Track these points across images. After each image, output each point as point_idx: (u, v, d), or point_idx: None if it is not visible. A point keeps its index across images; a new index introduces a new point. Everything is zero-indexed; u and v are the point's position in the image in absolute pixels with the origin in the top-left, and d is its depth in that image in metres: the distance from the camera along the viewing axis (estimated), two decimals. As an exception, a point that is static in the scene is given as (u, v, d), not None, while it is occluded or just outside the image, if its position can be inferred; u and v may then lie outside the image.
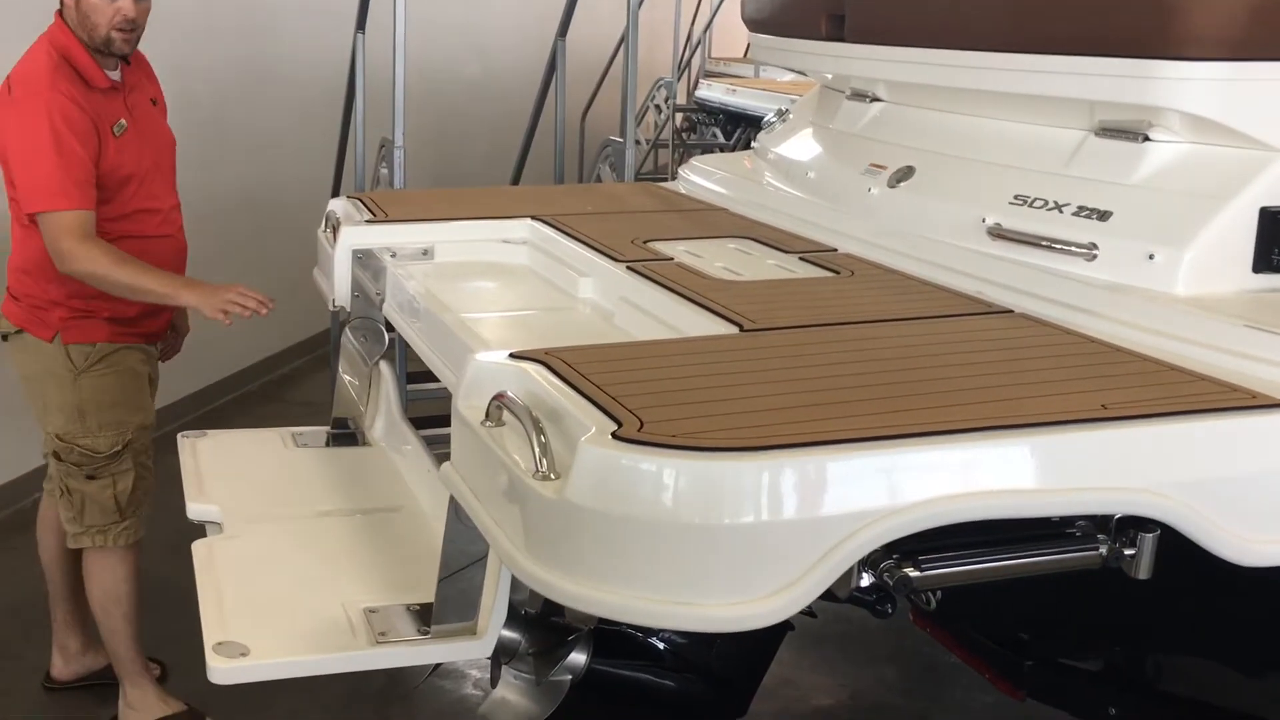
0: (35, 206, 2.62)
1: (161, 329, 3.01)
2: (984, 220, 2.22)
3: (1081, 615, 2.24)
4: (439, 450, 2.59)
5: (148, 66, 2.99)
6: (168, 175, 2.98)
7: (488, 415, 1.65)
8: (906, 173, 2.51)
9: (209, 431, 2.72)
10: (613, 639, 2.25)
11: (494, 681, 2.18)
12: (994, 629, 2.53)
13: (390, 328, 2.75)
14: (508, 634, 1.94)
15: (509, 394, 1.62)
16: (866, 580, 1.47)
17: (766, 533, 1.39)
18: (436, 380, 2.19)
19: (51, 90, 2.60)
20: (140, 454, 2.82)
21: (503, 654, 2.04)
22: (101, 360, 2.74)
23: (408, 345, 2.48)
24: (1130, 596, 1.85)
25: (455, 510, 1.82)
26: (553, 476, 1.47)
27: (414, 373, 3.49)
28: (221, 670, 1.75)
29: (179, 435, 2.66)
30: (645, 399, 1.55)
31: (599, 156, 3.90)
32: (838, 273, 2.31)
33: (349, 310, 2.80)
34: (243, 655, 1.77)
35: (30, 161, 2.61)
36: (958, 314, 2.01)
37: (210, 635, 1.81)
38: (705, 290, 2.13)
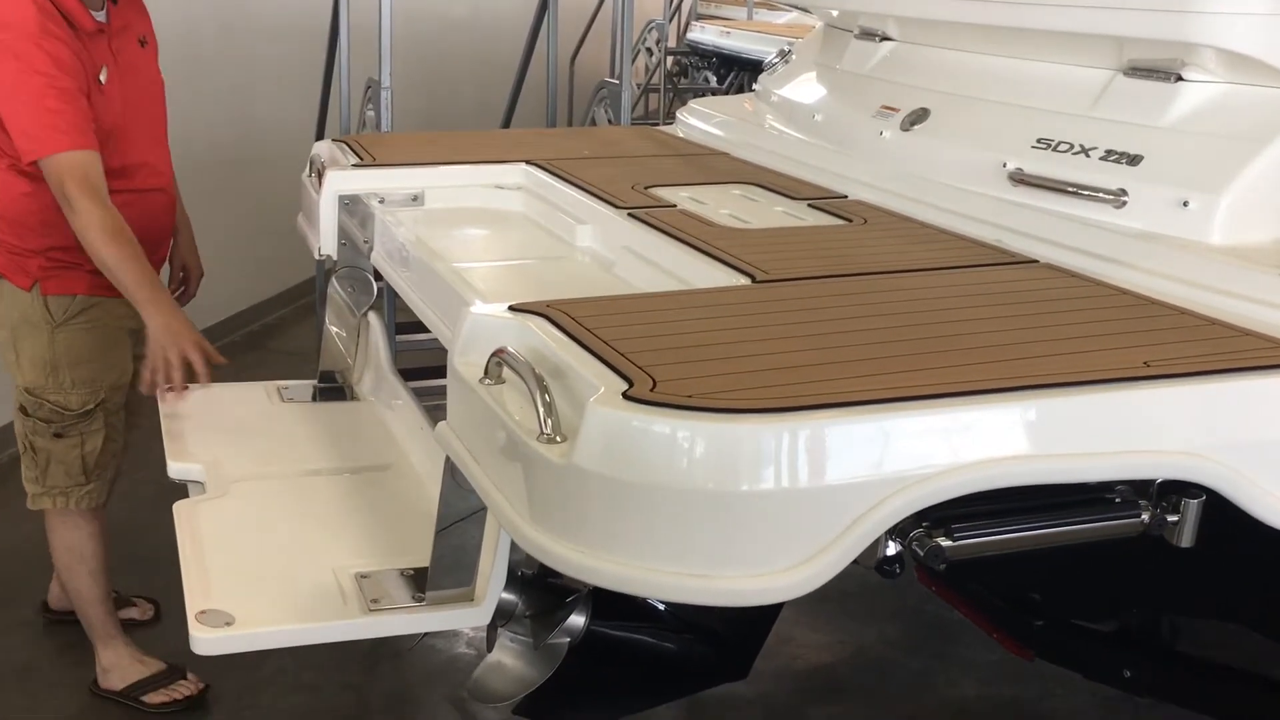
0: (34, 153, 2.43)
1: None
2: (1005, 165, 2.11)
3: (1096, 575, 2.16)
4: (430, 404, 2.50)
5: (138, 2, 2.75)
6: (155, 125, 2.77)
7: (487, 372, 1.55)
8: (921, 115, 2.39)
9: (191, 385, 2.60)
10: (612, 601, 2.17)
11: (489, 644, 2.10)
12: (1003, 587, 2.46)
13: (379, 277, 2.64)
14: (504, 596, 1.85)
15: (510, 349, 1.51)
16: (893, 549, 1.37)
17: (789, 501, 1.29)
18: (428, 330, 2.09)
19: (42, 33, 2.42)
20: (112, 414, 2.67)
21: (499, 616, 1.95)
22: (81, 314, 2.61)
23: (397, 295, 2.36)
24: (1148, 557, 1.77)
25: (451, 471, 1.72)
26: (559, 439, 1.37)
27: (403, 323, 3.38)
28: (205, 640, 1.65)
29: (159, 390, 2.55)
30: (657, 356, 1.44)
31: (593, 99, 3.76)
32: (850, 220, 2.21)
33: (335, 259, 2.68)
34: (227, 624, 1.67)
35: (24, 105, 2.43)
36: (980, 264, 1.91)
37: (193, 603, 1.71)
38: (713, 239, 2.02)
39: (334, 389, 2.70)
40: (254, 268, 5.37)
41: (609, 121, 3.67)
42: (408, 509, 2.09)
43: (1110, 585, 2.17)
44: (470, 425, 1.58)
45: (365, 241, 2.56)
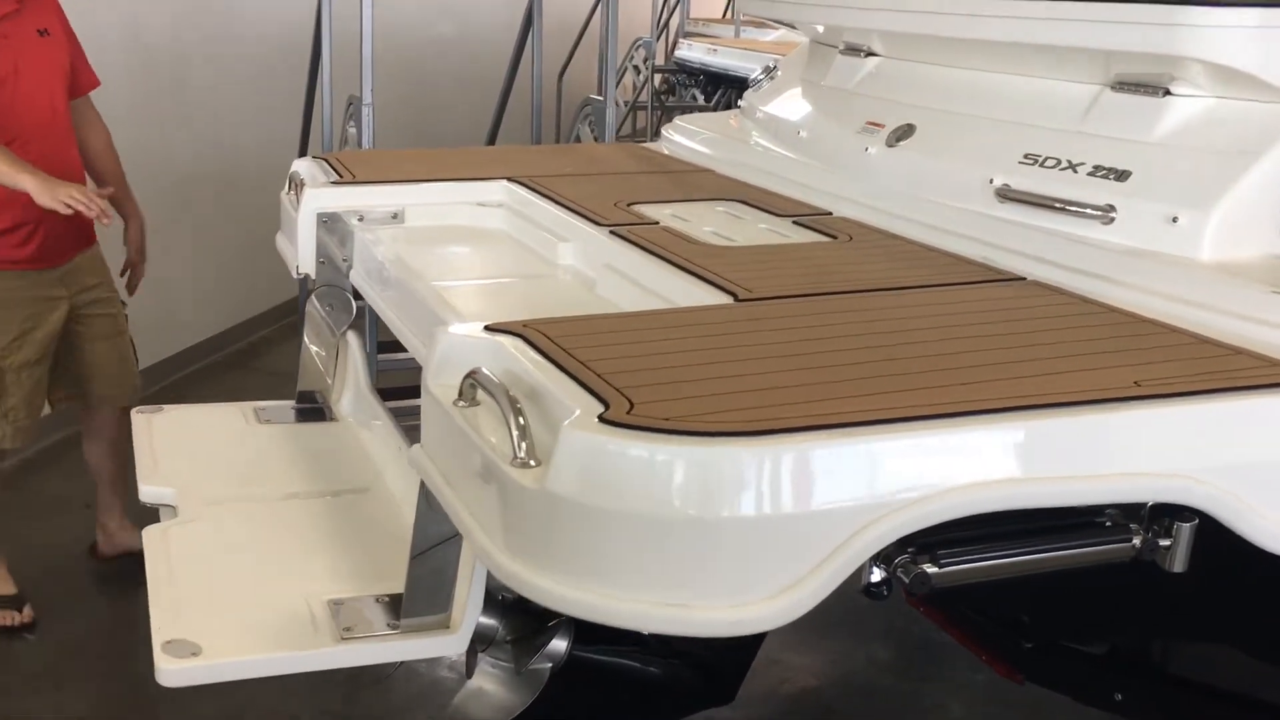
0: None
1: (46, 247, 3.01)
2: (991, 181, 2.08)
3: (1086, 597, 2.12)
4: (410, 423, 2.45)
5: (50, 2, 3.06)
6: (52, 114, 3.01)
7: (461, 394, 1.51)
8: (906, 131, 2.36)
9: (165, 407, 2.56)
10: (594, 625, 2.12)
11: (470, 670, 2.05)
12: (992, 609, 2.42)
13: (358, 296, 2.59)
14: (484, 620, 1.80)
15: (484, 371, 1.47)
16: (878, 576, 1.33)
17: (769, 527, 1.25)
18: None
19: None
20: (7, 373, 2.94)
21: (479, 641, 1.90)
22: None
23: (377, 314, 2.32)
24: (1139, 579, 1.73)
25: (426, 496, 1.67)
26: (532, 463, 1.33)
27: (385, 342, 3.33)
28: (170, 672, 1.60)
29: (133, 412, 2.50)
30: (634, 377, 1.40)
31: (577, 116, 3.73)
32: (835, 237, 2.17)
33: (314, 277, 2.63)
34: (193, 655, 1.63)
35: None
36: (966, 282, 1.87)
37: (159, 632, 1.67)
38: (695, 256, 1.99)
39: (313, 409, 2.65)
40: (240, 286, 5.32)
41: (594, 139, 3.64)
42: (385, 533, 2.04)
43: (1101, 607, 2.13)
44: (444, 449, 1.54)
45: (344, 260, 2.52)
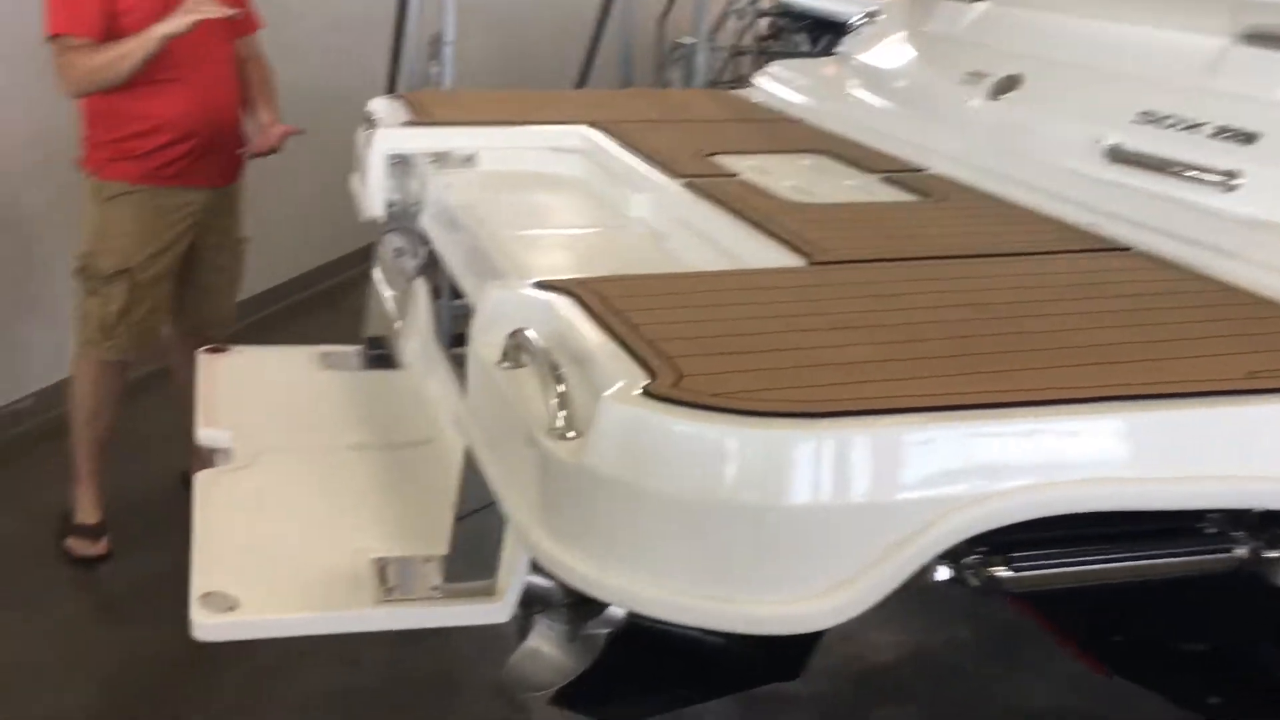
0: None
1: (193, 168, 3.06)
2: (1102, 140, 1.90)
3: (1184, 599, 1.96)
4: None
5: None
6: (204, 33, 2.97)
7: (505, 355, 1.41)
8: (1011, 82, 2.19)
9: (232, 348, 2.52)
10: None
11: (525, 631, 1.98)
12: (1081, 599, 2.27)
13: (428, 241, 2.52)
14: (540, 581, 1.72)
15: (527, 331, 1.37)
16: (944, 575, 1.21)
17: (826, 518, 1.14)
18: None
19: None
20: (139, 286, 3.02)
21: (535, 603, 1.83)
22: (122, 196, 2.98)
23: (447, 260, 2.24)
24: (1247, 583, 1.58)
25: (470, 457, 1.59)
26: (571, 435, 1.23)
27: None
28: (205, 626, 1.56)
29: (199, 353, 2.47)
30: (688, 345, 1.29)
31: (667, 60, 3.59)
32: (927, 196, 2.02)
33: (381, 220, 2.56)
34: (230, 609, 1.58)
35: None
36: (1067, 250, 1.72)
37: (198, 583, 1.62)
38: (770, 213, 1.86)
39: (380, 356, 2.60)
40: (328, 225, 5.30)
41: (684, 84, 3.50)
42: (440, 490, 1.96)
43: (1199, 605, 1.97)
44: (487, 411, 1.45)
45: (415, 203, 2.44)
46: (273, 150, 3.30)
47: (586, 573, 1.19)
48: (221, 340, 2.99)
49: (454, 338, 2.56)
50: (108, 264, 2.99)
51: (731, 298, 1.48)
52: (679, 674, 2.29)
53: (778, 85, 2.98)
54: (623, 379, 1.22)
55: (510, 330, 1.42)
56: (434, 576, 1.71)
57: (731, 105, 2.93)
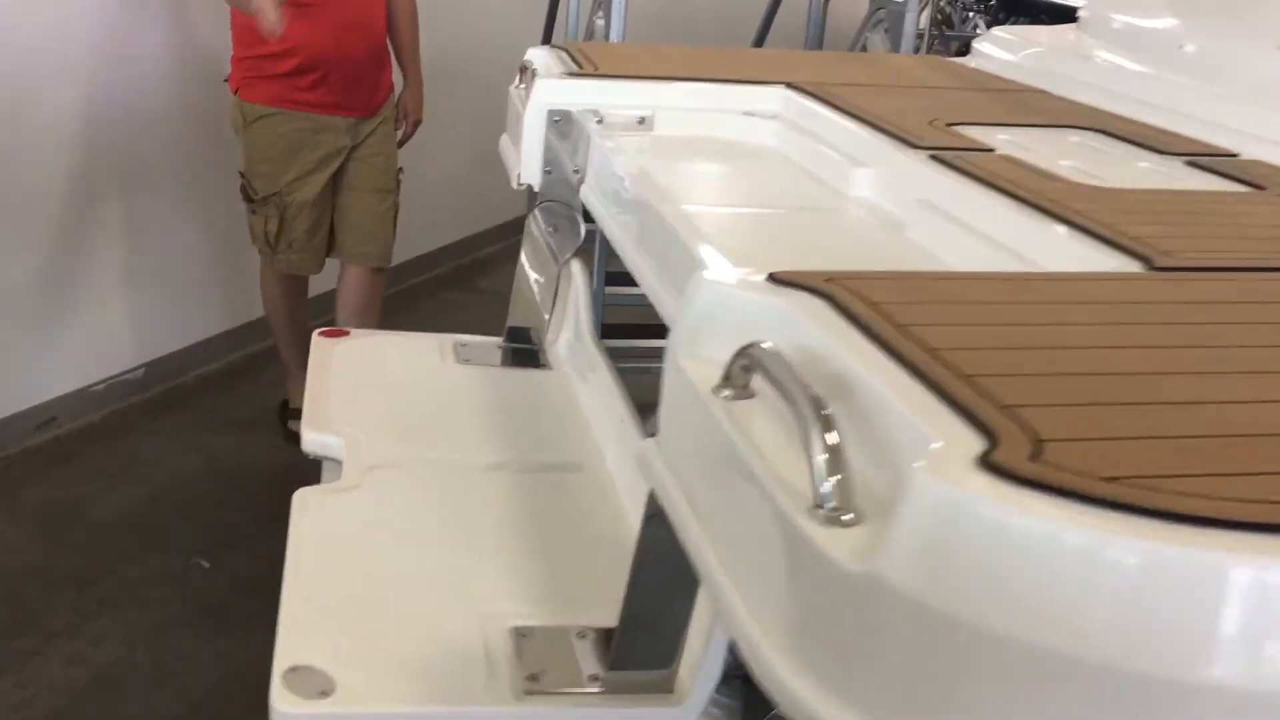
0: None
1: (331, 97, 3.07)
2: None
3: None
4: (636, 365, 1.99)
5: None
6: None
7: (727, 378, 0.97)
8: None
9: (352, 332, 2.14)
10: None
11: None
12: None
13: (589, 217, 2.10)
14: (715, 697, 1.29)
15: (767, 347, 0.93)
16: None
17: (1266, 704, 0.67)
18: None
19: None
20: (289, 208, 3.08)
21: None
22: (261, 119, 3.04)
23: (610, 241, 1.82)
24: None
25: (657, 512, 1.16)
26: (847, 518, 0.78)
27: (615, 273, 2.85)
28: (289, 716, 1.15)
29: (314, 334, 2.10)
30: (1026, 387, 0.83)
31: (866, 23, 3.11)
32: (1260, 188, 1.52)
33: (537, 189, 2.15)
34: (323, 694, 1.17)
35: None
36: None
37: (283, 654, 1.22)
38: (1063, 198, 1.38)
39: (523, 350, 2.19)
40: (467, 196, 4.96)
41: (886, 48, 3.01)
42: (597, 535, 1.55)
43: None
44: (693, 455, 1.01)
45: (575, 171, 2.02)
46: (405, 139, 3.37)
47: (870, 747, 0.74)
48: (382, 269, 3.25)
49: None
50: (260, 186, 3.08)
51: (1059, 315, 1.01)
52: None
53: (1006, 51, 2.47)
54: (937, 438, 0.76)
55: (733, 343, 0.98)
56: (591, 659, 1.29)
57: (955, 72, 2.44)
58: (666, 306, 1.43)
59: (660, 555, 1.20)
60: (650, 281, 1.53)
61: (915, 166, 1.60)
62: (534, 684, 1.23)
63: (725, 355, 1.01)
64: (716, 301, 1.05)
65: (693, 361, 1.03)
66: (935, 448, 0.75)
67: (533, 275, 2.28)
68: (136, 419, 3.44)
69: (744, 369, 0.95)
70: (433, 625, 1.30)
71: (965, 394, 0.80)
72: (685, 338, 1.05)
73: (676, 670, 1.25)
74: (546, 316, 2.18)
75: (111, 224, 3.40)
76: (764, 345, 0.94)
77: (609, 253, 2.86)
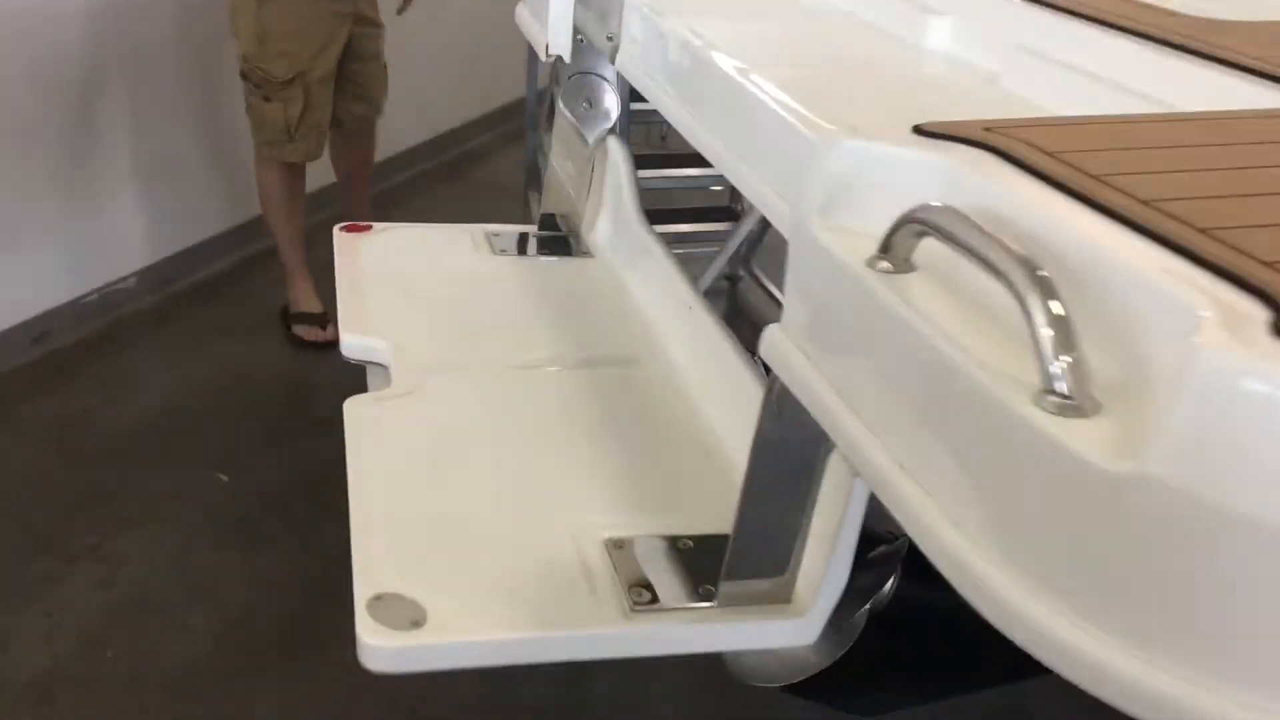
0: None
1: None
2: None
3: None
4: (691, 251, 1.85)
5: None
6: None
7: (886, 250, 0.84)
8: None
9: (375, 225, 1.98)
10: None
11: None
12: None
13: (627, 91, 1.93)
14: None
15: (942, 207, 0.79)
16: None
17: None
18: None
19: None
20: (313, 86, 2.97)
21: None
22: None
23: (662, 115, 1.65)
24: None
25: (778, 405, 1.03)
26: (1086, 410, 0.66)
27: (643, 155, 2.68)
28: (380, 651, 1.03)
29: (335, 229, 1.94)
30: (1273, 240, 0.70)
31: None
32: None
33: (568, 61, 1.98)
34: (415, 625, 1.05)
35: None
36: None
37: (364, 582, 1.09)
38: (1195, 34, 1.23)
39: (558, 238, 2.04)
40: (455, 84, 4.74)
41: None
42: (671, 433, 1.42)
43: None
44: (840, 340, 0.88)
45: (609, 37, 1.85)
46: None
47: (1147, 682, 0.62)
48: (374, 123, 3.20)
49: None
50: (281, 69, 2.93)
51: (1271, 156, 0.87)
52: (944, 663, 1.76)
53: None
54: (1205, 308, 0.63)
55: (885, 209, 0.84)
56: (695, 568, 1.17)
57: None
58: (746, 178, 1.29)
59: (778, 456, 1.08)
60: (720, 153, 1.38)
61: (1007, 8, 1.44)
62: (641, 600, 1.12)
63: (866, 224, 0.88)
64: (853, 163, 0.90)
65: (833, 233, 0.89)
66: (1205, 317, 0.62)
67: (561, 161, 2.12)
68: (134, 329, 3.28)
69: (915, 235, 0.81)
70: (521, 541, 1.18)
71: (1217, 251, 0.67)
72: (818, 206, 0.91)
73: (789, 577, 1.14)
74: (580, 204, 2.03)
75: (94, 126, 3.19)
76: (935, 206, 0.80)
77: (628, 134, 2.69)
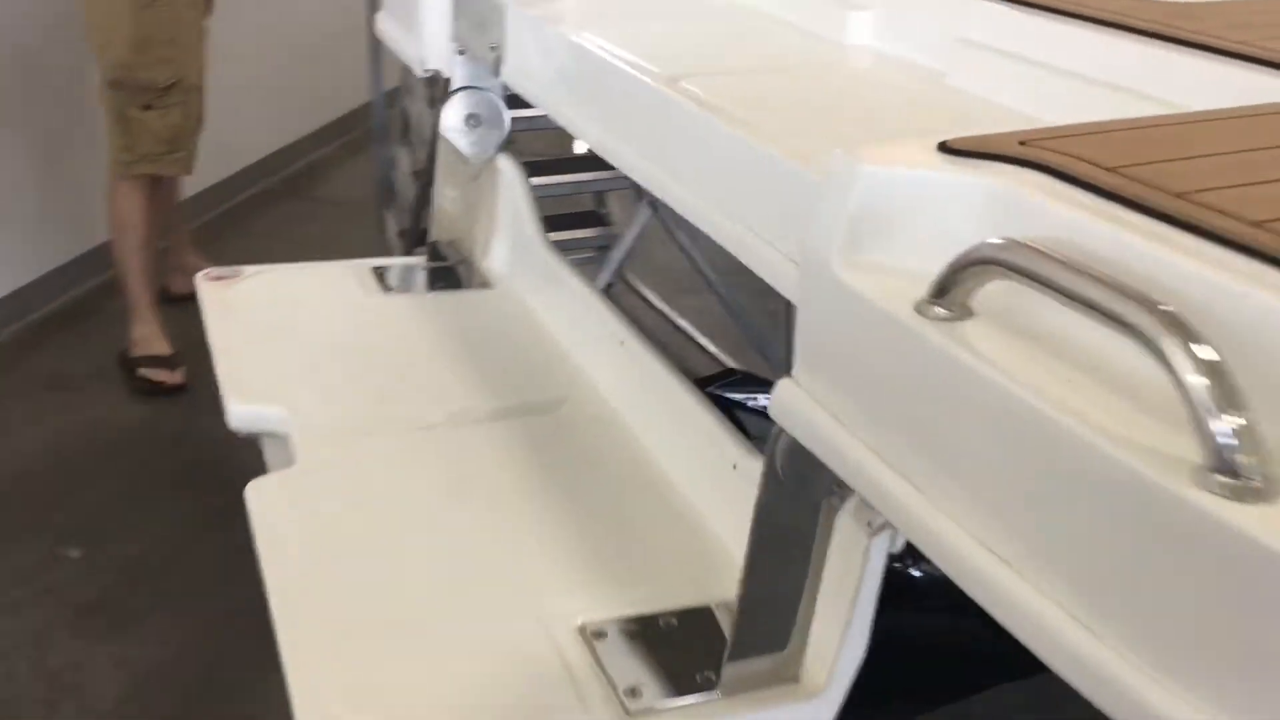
0: None
1: None
2: None
3: None
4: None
5: None
6: None
7: (939, 292, 0.71)
8: None
9: (242, 269, 1.77)
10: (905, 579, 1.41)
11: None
12: None
13: (516, 102, 1.77)
14: None
15: (1007, 244, 0.67)
16: None
17: None
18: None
19: None
20: (191, 93, 2.90)
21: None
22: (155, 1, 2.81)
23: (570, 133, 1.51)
24: None
25: (780, 467, 0.90)
26: (1266, 493, 0.54)
27: (531, 161, 2.51)
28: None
29: (198, 278, 1.72)
30: None
31: None
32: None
33: (448, 76, 1.80)
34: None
35: None
36: None
37: (303, 707, 0.92)
38: (1168, 21, 1.15)
39: (448, 269, 1.87)
40: (294, 97, 4.46)
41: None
42: (623, 485, 1.28)
43: None
44: (896, 402, 0.75)
45: (491, 47, 1.69)
46: None
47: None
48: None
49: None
50: (162, 75, 2.83)
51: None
52: (935, 672, 1.68)
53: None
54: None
55: (912, 243, 0.72)
56: (685, 651, 1.03)
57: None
58: (672, 190, 1.16)
59: (782, 519, 0.95)
60: (633, 163, 1.25)
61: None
62: (636, 699, 0.97)
63: (894, 260, 0.75)
64: (879, 191, 0.78)
65: (859, 271, 0.77)
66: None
67: (447, 189, 1.94)
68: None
69: (977, 271, 0.69)
70: (485, 640, 1.01)
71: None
72: (839, 245, 0.78)
73: (802, 653, 1.01)
74: (473, 229, 1.86)
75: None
76: (1007, 243, 0.67)
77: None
